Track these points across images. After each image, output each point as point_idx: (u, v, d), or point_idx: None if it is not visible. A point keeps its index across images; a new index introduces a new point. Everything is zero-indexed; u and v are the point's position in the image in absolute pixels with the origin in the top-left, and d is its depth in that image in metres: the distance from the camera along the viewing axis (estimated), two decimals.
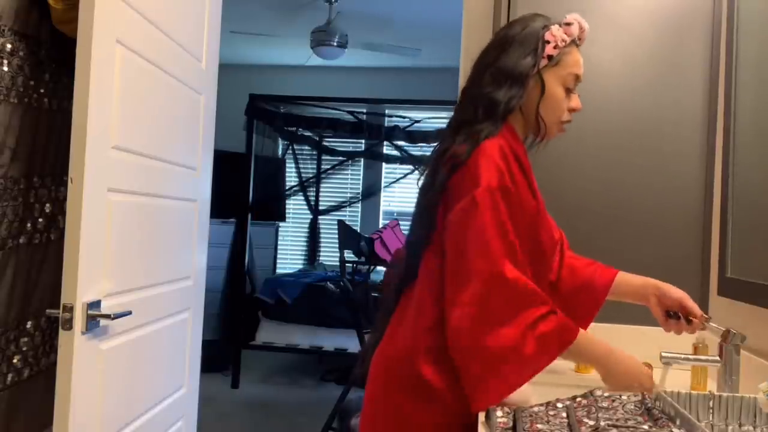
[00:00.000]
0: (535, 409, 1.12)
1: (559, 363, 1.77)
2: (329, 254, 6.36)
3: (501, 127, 1.27)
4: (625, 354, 1.24)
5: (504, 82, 1.27)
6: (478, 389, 1.15)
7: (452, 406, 1.22)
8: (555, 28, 1.29)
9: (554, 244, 1.46)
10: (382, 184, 6.35)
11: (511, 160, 1.24)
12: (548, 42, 1.29)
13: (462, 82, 2.11)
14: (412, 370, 1.23)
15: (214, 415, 3.99)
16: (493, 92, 1.27)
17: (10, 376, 1.65)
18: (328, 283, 5.05)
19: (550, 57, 1.29)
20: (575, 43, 1.32)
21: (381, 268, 5.23)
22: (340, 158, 6.23)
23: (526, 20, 1.33)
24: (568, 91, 1.32)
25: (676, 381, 1.57)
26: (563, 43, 1.29)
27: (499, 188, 1.19)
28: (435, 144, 1.36)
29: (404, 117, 5.87)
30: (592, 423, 1.02)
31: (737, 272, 1.57)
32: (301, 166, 6.23)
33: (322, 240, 6.48)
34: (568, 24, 1.31)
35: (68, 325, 1.43)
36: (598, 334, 1.76)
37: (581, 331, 1.20)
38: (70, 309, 1.43)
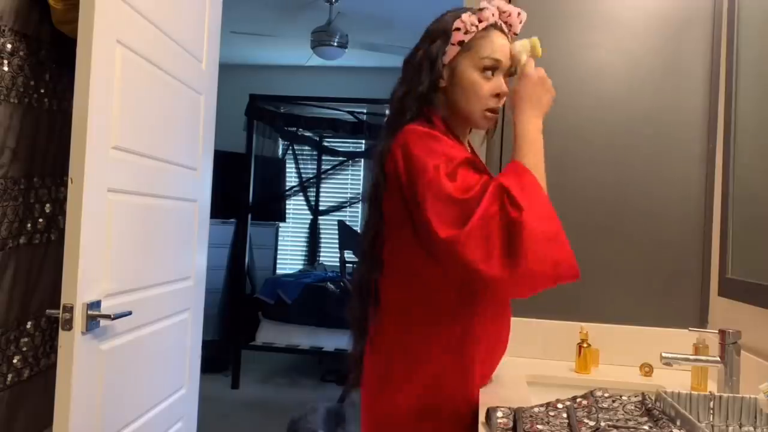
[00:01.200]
0: (536, 409, 1.12)
1: (559, 365, 1.77)
2: (329, 255, 6.36)
3: (417, 116, 1.27)
4: (531, 96, 1.26)
5: (413, 74, 1.29)
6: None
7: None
8: (465, 15, 1.27)
9: None
10: None
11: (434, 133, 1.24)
12: (458, 29, 1.27)
13: None
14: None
15: (214, 415, 3.99)
16: (402, 86, 1.31)
17: (10, 377, 1.65)
18: (328, 283, 5.05)
19: (461, 43, 1.27)
20: (499, 28, 1.29)
21: None
22: (341, 158, 6.24)
23: (443, 16, 1.33)
24: (487, 77, 1.28)
25: (677, 381, 1.57)
26: (474, 28, 1.27)
27: (425, 132, 1.22)
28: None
29: None
30: (592, 423, 1.02)
31: (738, 273, 1.57)
32: (301, 166, 6.23)
33: (322, 240, 6.48)
34: (481, 9, 1.29)
35: (68, 325, 1.43)
36: (598, 334, 1.76)
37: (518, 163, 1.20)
38: (70, 309, 1.43)
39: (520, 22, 1.33)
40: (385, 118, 1.35)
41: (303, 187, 6.25)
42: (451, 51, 1.28)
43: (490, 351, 1.36)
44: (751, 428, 1.10)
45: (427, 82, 1.28)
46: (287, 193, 6.14)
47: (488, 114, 1.30)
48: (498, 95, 1.29)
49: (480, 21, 1.27)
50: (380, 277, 1.30)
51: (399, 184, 1.22)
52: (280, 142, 6.31)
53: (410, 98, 1.28)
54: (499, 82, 1.29)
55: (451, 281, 1.24)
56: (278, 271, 6.15)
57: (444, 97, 1.31)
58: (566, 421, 1.06)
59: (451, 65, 1.29)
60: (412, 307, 1.28)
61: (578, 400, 1.14)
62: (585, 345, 1.70)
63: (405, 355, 1.28)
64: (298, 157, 6.20)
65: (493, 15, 1.28)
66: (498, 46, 1.28)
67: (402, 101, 1.30)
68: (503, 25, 1.31)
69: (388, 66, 6.09)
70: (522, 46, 1.30)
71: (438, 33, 1.30)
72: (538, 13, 1.91)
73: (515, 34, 1.34)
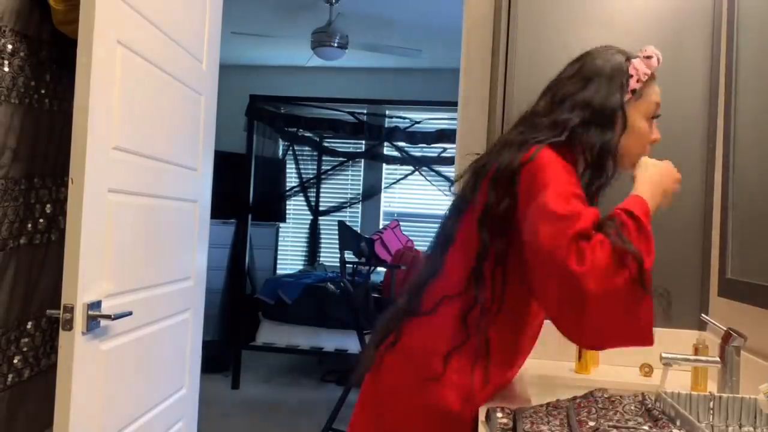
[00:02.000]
0: (536, 410, 1.12)
1: (559, 365, 1.77)
2: (329, 255, 6.36)
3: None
4: (653, 176, 1.26)
5: (595, 119, 1.24)
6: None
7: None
8: (637, 62, 1.27)
9: None
10: (383, 185, 6.35)
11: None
12: (631, 76, 1.26)
13: (463, 82, 2.12)
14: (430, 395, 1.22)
15: (214, 415, 3.99)
16: (585, 130, 1.24)
17: (10, 377, 1.65)
18: (329, 283, 5.05)
19: (633, 91, 1.27)
20: (653, 77, 1.30)
21: (381, 269, 5.23)
22: (341, 159, 6.24)
23: (606, 53, 1.30)
24: (651, 122, 1.30)
25: (677, 382, 1.57)
26: (645, 77, 1.27)
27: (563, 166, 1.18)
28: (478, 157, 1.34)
29: (405, 118, 5.88)
30: (592, 424, 1.02)
31: (737, 273, 1.57)
32: (301, 166, 6.23)
33: (322, 241, 6.48)
34: (648, 57, 1.28)
35: (69, 325, 1.43)
36: None
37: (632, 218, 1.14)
38: (70, 309, 1.43)
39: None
40: (523, 130, 1.29)
41: (303, 187, 6.25)
42: (625, 98, 1.27)
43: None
44: (751, 428, 1.10)
45: (615, 135, 1.24)
46: (287, 193, 6.15)
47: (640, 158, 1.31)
48: (653, 142, 1.33)
49: (648, 68, 1.28)
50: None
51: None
52: (281, 143, 6.31)
53: (595, 150, 1.23)
54: (657, 131, 1.33)
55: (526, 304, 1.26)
56: (278, 272, 6.15)
57: None
58: (566, 421, 1.06)
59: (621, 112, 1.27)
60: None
61: (578, 400, 1.14)
62: None
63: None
64: (298, 157, 6.20)
65: (658, 62, 1.28)
66: (658, 92, 1.30)
67: (602, 152, 1.24)
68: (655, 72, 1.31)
69: (388, 66, 6.10)
70: None
71: (614, 76, 1.26)
72: (538, 14, 1.92)
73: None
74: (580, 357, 1.70)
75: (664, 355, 1.40)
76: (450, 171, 5.42)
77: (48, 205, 1.78)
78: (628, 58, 1.28)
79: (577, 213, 1.10)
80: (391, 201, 6.45)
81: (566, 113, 1.25)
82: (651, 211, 1.18)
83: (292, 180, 6.19)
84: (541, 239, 1.10)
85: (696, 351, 1.54)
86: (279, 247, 6.28)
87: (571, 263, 1.05)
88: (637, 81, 1.26)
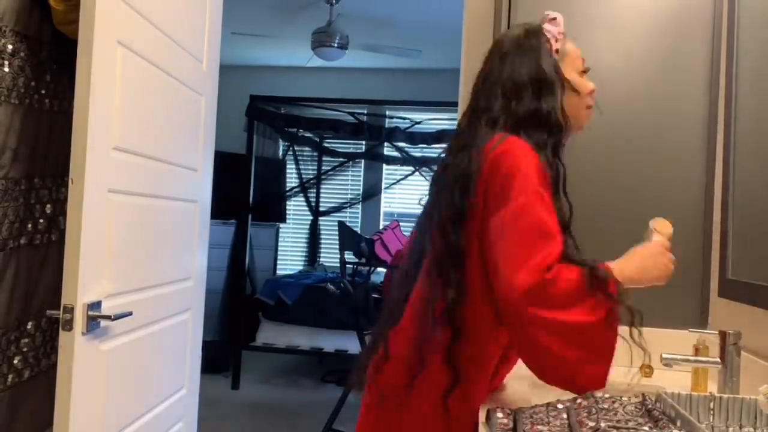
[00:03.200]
0: (536, 410, 1.12)
1: None
2: (329, 255, 6.36)
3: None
4: (645, 254, 1.26)
5: (538, 90, 1.24)
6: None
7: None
8: (547, 26, 1.30)
9: None
10: (383, 186, 6.35)
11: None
12: (548, 40, 1.30)
13: (464, 82, 2.12)
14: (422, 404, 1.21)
15: (214, 416, 3.98)
16: (532, 104, 1.24)
17: (10, 377, 1.65)
18: (329, 284, 5.04)
19: (557, 51, 1.30)
20: (564, 34, 1.34)
21: (381, 270, 5.23)
22: (341, 159, 6.24)
23: (519, 28, 1.33)
24: (582, 75, 1.33)
25: (677, 382, 1.57)
26: (560, 35, 1.31)
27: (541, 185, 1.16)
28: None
29: (405, 118, 5.88)
30: (592, 424, 1.02)
31: (738, 274, 1.57)
32: (301, 167, 6.23)
33: (322, 241, 6.48)
34: (553, 19, 1.32)
35: (69, 325, 1.43)
36: None
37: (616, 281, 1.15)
38: (70, 310, 1.43)
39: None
40: (470, 126, 1.28)
41: (303, 187, 6.25)
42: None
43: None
44: (751, 429, 1.10)
45: (556, 100, 1.25)
46: (287, 193, 6.14)
47: (588, 112, 1.35)
48: (592, 92, 1.34)
49: (558, 27, 1.31)
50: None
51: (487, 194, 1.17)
52: (281, 143, 6.31)
53: (541, 120, 1.23)
54: (589, 81, 1.34)
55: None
56: (278, 272, 6.14)
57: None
58: (566, 421, 1.06)
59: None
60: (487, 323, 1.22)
61: (578, 400, 1.14)
62: None
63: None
64: (298, 157, 6.20)
65: (563, 21, 1.32)
66: (576, 47, 1.34)
67: (533, 124, 1.23)
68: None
69: (388, 67, 6.10)
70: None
71: (537, 46, 1.28)
72: (538, 14, 1.92)
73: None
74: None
75: (664, 355, 1.39)
76: None
77: (48, 206, 1.78)
78: (540, 26, 1.31)
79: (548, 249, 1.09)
80: (391, 201, 6.45)
81: (514, 98, 1.25)
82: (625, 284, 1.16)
83: (292, 180, 6.19)
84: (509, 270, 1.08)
85: (696, 351, 1.54)
86: (279, 248, 6.28)
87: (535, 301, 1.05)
88: (556, 41, 1.29)
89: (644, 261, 1.24)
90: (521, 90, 1.25)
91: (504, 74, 1.28)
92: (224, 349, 5.04)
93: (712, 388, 1.49)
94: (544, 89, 1.25)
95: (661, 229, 1.33)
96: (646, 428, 0.99)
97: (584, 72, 1.33)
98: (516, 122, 1.23)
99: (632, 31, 1.88)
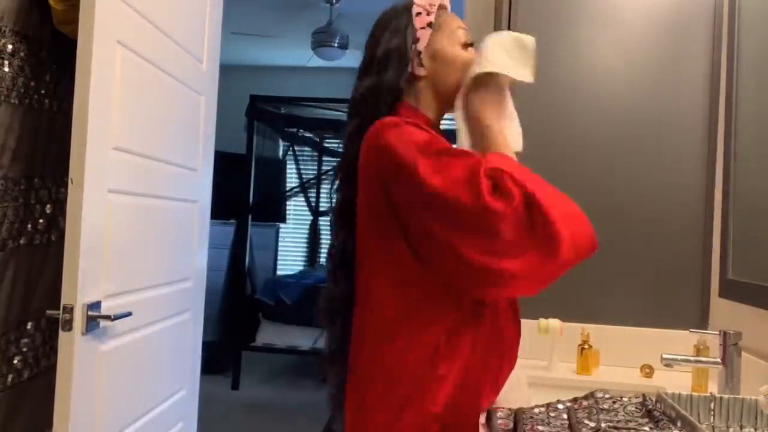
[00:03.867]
0: (536, 410, 1.12)
1: (560, 366, 1.76)
2: None
3: (392, 109, 1.21)
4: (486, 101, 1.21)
5: (378, 71, 1.24)
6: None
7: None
8: (419, 0, 1.26)
9: None
10: None
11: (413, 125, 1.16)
12: (419, 13, 1.25)
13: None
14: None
15: (214, 416, 3.98)
16: (364, 87, 1.25)
17: (10, 378, 1.65)
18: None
19: (430, 24, 1.25)
20: (443, 8, 1.29)
21: None
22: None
23: (389, 9, 1.30)
24: (466, 47, 1.26)
25: (677, 383, 1.57)
26: (433, 8, 1.25)
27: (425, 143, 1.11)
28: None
29: None
30: (592, 425, 1.02)
31: (738, 274, 1.57)
32: (301, 167, 6.23)
33: (322, 241, 6.47)
34: None
35: (68, 326, 1.43)
36: (599, 335, 1.76)
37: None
38: (70, 310, 1.43)
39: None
40: (348, 128, 1.27)
41: (303, 188, 6.25)
42: (424, 35, 1.24)
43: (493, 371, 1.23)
44: (752, 429, 1.10)
45: (398, 74, 1.22)
46: (288, 194, 6.14)
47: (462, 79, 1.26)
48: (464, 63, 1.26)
49: (432, 0, 1.26)
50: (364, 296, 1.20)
51: (382, 190, 1.13)
52: (281, 143, 6.31)
53: (379, 95, 1.22)
54: (473, 53, 1.26)
55: (447, 293, 1.14)
56: (278, 272, 6.14)
57: (423, 84, 1.26)
58: (567, 422, 1.06)
59: (430, 50, 1.24)
60: (402, 323, 1.15)
61: (579, 401, 1.13)
62: (586, 346, 1.70)
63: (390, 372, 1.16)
64: (298, 158, 6.19)
65: None
66: (459, 19, 1.29)
67: (371, 100, 1.23)
68: (446, 5, 1.31)
69: None
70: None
71: (396, 24, 1.25)
72: (538, 13, 1.92)
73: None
74: (581, 357, 1.70)
75: (664, 356, 1.39)
76: None
77: (48, 206, 1.78)
78: (404, 5, 1.27)
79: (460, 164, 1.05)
80: None
81: (372, 80, 1.24)
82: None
83: (292, 180, 6.18)
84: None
85: (697, 352, 1.54)
86: (279, 248, 6.27)
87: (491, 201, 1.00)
88: (428, 14, 1.25)
89: (490, 107, 1.20)
90: (371, 66, 1.26)
91: (369, 55, 1.28)
92: (224, 350, 5.04)
93: (713, 388, 1.49)
94: (388, 63, 1.23)
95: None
96: (647, 429, 0.99)
97: (467, 45, 1.26)
98: (362, 99, 1.24)
99: (632, 31, 1.88)
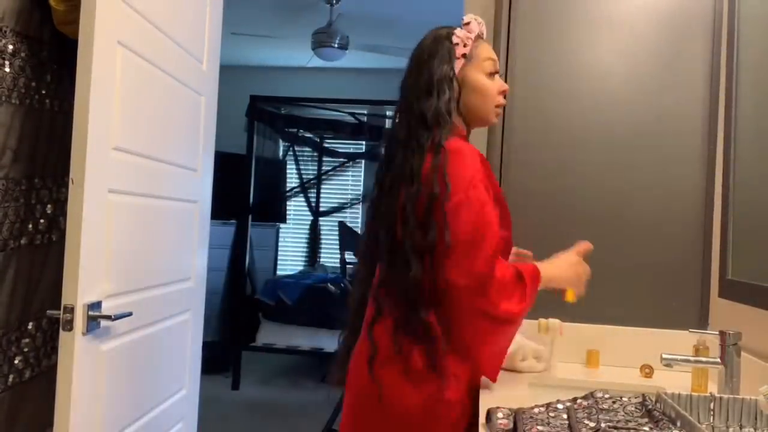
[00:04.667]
0: (536, 410, 1.12)
1: (559, 366, 1.76)
2: (330, 256, 6.36)
3: (450, 130, 1.38)
4: (563, 260, 1.49)
5: (431, 93, 1.39)
6: (489, 351, 1.37)
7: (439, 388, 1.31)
8: (458, 31, 1.44)
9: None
10: None
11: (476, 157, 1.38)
12: (457, 44, 1.43)
13: None
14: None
15: (214, 416, 3.98)
16: (426, 104, 1.39)
17: (11, 377, 1.65)
18: (329, 284, 5.05)
19: (464, 56, 1.43)
20: (480, 37, 1.47)
21: None
22: (341, 160, 6.23)
23: (430, 35, 1.47)
24: (491, 77, 1.46)
25: (677, 383, 1.57)
26: (469, 41, 1.44)
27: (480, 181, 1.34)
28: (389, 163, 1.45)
29: None
30: (592, 425, 1.02)
31: (738, 274, 1.57)
32: (301, 167, 6.22)
33: (322, 241, 6.47)
34: (467, 23, 1.45)
35: (69, 326, 1.43)
36: (599, 336, 1.76)
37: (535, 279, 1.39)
38: (70, 310, 1.43)
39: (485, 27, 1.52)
40: (405, 134, 1.41)
41: (303, 188, 6.25)
42: (458, 65, 1.43)
43: None
44: (752, 429, 1.10)
45: (450, 98, 1.40)
46: (288, 194, 6.14)
47: (498, 110, 1.49)
48: (503, 92, 1.48)
49: (470, 32, 1.44)
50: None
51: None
52: (281, 144, 6.30)
53: (439, 116, 1.38)
54: (500, 82, 1.48)
55: None
56: (279, 273, 6.14)
57: (457, 107, 1.44)
58: (566, 422, 1.06)
59: (460, 76, 1.43)
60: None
61: (578, 401, 1.14)
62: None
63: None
64: (298, 158, 6.19)
65: (478, 25, 1.46)
66: (490, 50, 1.49)
67: (433, 117, 1.38)
68: (482, 33, 1.49)
69: (389, 67, 6.08)
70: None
71: (441, 52, 1.42)
72: (539, 14, 1.92)
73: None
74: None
75: (664, 356, 1.40)
76: None
77: (48, 206, 1.78)
78: (450, 32, 1.45)
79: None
80: None
81: (420, 102, 1.40)
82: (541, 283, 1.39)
83: (292, 181, 6.18)
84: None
85: (696, 352, 1.54)
86: (279, 248, 6.27)
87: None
88: (464, 46, 1.43)
89: (562, 266, 1.47)
90: (421, 92, 1.41)
91: (412, 79, 1.44)
92: (224, 350, 5.04)
93: (713, 388, 1.49)
94: (433, 90, 1.39)
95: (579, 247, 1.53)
96: (647, 429, 0.99)
97: (492, 74, 1.46)
98: (419, 121, 1.39)
99: (632, 32, 1.88)
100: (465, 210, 1.30)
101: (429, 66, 1.41)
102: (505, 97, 1.49)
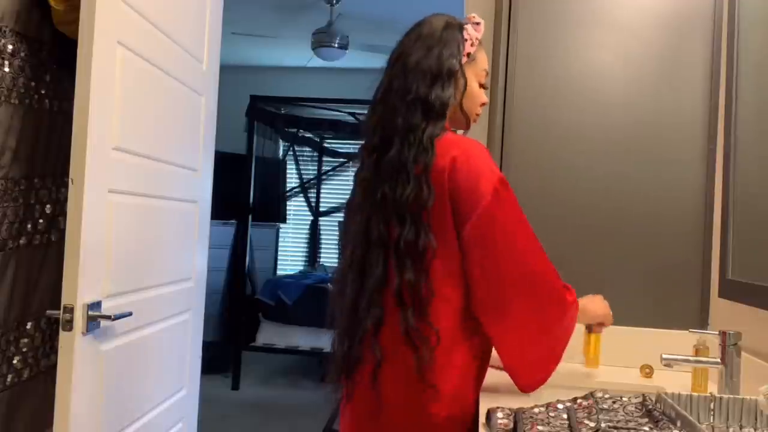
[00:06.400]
0: (536, 410, 1.12)
1: (559, 366, 1.76)
2: (330, 256, 6.36)
3: (444, 124, 1.33)
4: (592, 297, 1.51)
5: (437, 81, 1.32)
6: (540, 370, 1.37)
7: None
8: (470, 27, 1.37)
9: None
10: None
11: None
12: (466, 40, 1.36)
13: None
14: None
15: (214, 416, 3.98)
16: (430, 92, 1.31)
17: (10, 377, 1.65)
18: (329, 284, 5.04)
19: (468, 54, 1.37)
20: (480, 41, 1.41)
21: None
22: (341, 160, 6.23)
23: (440, 20, 1.39)
24: (482, 87, 1.41)
25: (677, 383, 1.57)
26: (477, 42, 1.38)
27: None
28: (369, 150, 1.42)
29: None
30: (592, 425, 1.02)
31: (738, 274, 1.57)
32: (301, 167, 6.23)
33: (322, 241, 6.48)
34: (478, 23, 1.39)
35: (68, 326, 1.43)
36: (599, 335, 1.76)
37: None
38: (70, 310, 1.43)
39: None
40: (401, 119, 1.32)
41: (303, 188, 6.25)
42: (462, 61, 1.37)
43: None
44: (752, 429, 1.10)
45: (452, 93, 1.33)
46: (288, 194, 6.14)
47: (476, 118, 1.45)
48: (483, 104, 1.44)
49: (478, 33, 1.39)
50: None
51: (453, 199, 1.27)
52: (281, 143, 6.30)
53: (444, 106, 1.32)
54: (484, 94, 1.44)
55: None
56: (279, 273, 6.14)
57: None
58: (566, 422, 1.06)
59: (460, 73, 1.36)
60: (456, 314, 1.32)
61: (578, 401, 1.13)
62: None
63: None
64: (298, 158, 6.19)
65: (483, 29, 1.41)
66: (486, 61, 1.43)
67: (440, 107, 1.31)
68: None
69: None
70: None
71: (450, 41, 1.35)
72: (538, 14, 1.92)
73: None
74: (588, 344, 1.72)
75: (664, 356, 1.39)
76: None
77: (48, 206, 1.78)
78: (462, 25, 1.38)
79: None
80: None
81: (422, 87, 1.32)
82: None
83: (292, 181, 6.18)
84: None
85: (696, 352, 1.54)
86: (279, 248, 6.28)
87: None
88: (471, 45, 1.37)
89: (595, 302, 1.51)
90: (425, 76, 1.32)
91: (417, 59, 1.34)
92: (224, 350, 5.04)
93: (713, 388, 1.49)
94: (449, 80, 1.33)
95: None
96: (647, 429, 0.99)
97: (483, 86, 1.41)
98: (419, 108, 1.30)
99: (632, 32, 1.87)
100: (509, 206, 1.28)
101: (439, 52, 1.33)
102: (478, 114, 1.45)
